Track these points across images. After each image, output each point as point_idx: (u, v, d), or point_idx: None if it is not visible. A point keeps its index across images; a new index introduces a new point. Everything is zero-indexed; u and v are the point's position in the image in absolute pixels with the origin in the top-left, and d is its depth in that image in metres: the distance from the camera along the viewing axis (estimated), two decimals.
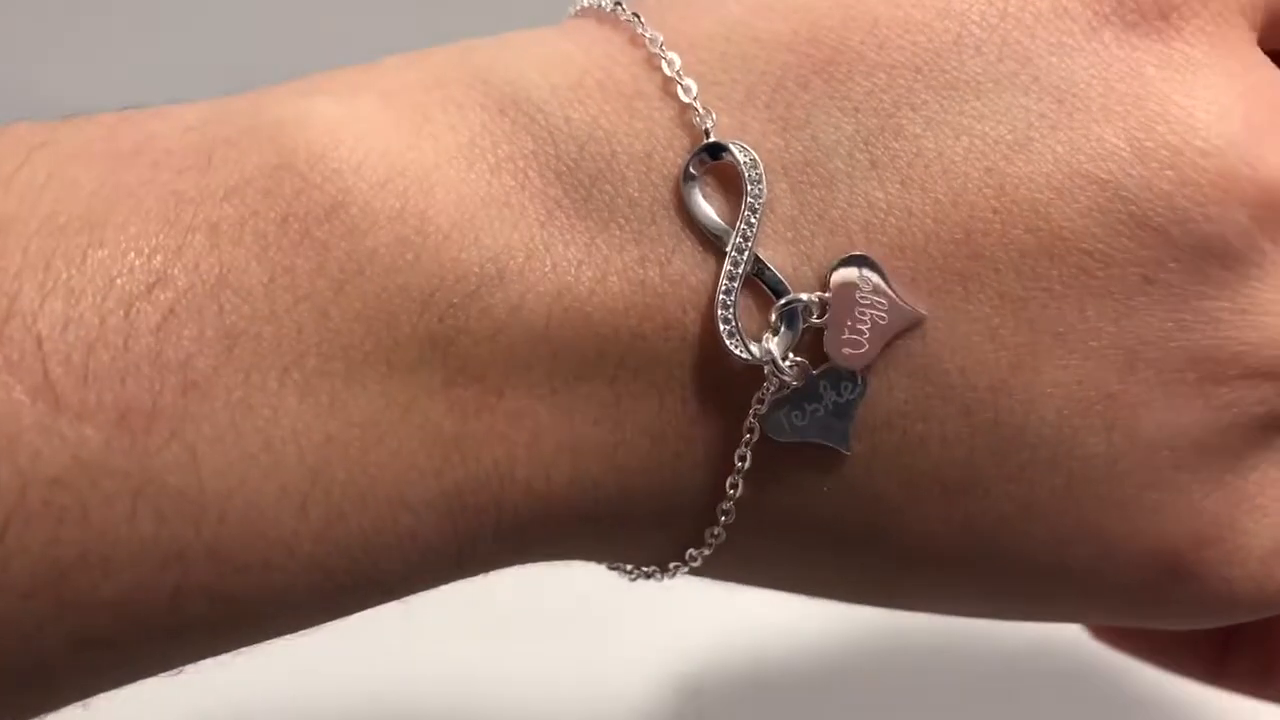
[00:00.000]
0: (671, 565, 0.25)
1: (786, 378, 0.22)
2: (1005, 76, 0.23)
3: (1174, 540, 0.24)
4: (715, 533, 0.24)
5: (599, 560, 0.26)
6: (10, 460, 0.19)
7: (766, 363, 0.22)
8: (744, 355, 0.22)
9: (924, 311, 0.22)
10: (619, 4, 0.24)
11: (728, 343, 0.22)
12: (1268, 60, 0.25)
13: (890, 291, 0.22)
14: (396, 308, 0.21)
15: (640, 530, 0.24)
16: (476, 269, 0.21)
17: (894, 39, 0.23)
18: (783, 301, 0.22)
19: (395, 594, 0.23)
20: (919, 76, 0.23)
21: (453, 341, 0.21)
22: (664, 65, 0.23)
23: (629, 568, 0.26)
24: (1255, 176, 0.23)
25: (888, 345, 0.22)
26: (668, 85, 0.23)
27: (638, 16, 0.23)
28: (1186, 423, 0.23)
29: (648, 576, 0.26)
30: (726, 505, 0.23)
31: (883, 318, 0.22)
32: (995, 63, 0.23)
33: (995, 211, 0.22)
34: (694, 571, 0.25)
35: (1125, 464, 0.23)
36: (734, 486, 0.23)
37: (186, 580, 0.20)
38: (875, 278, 0.22)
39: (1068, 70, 0.23)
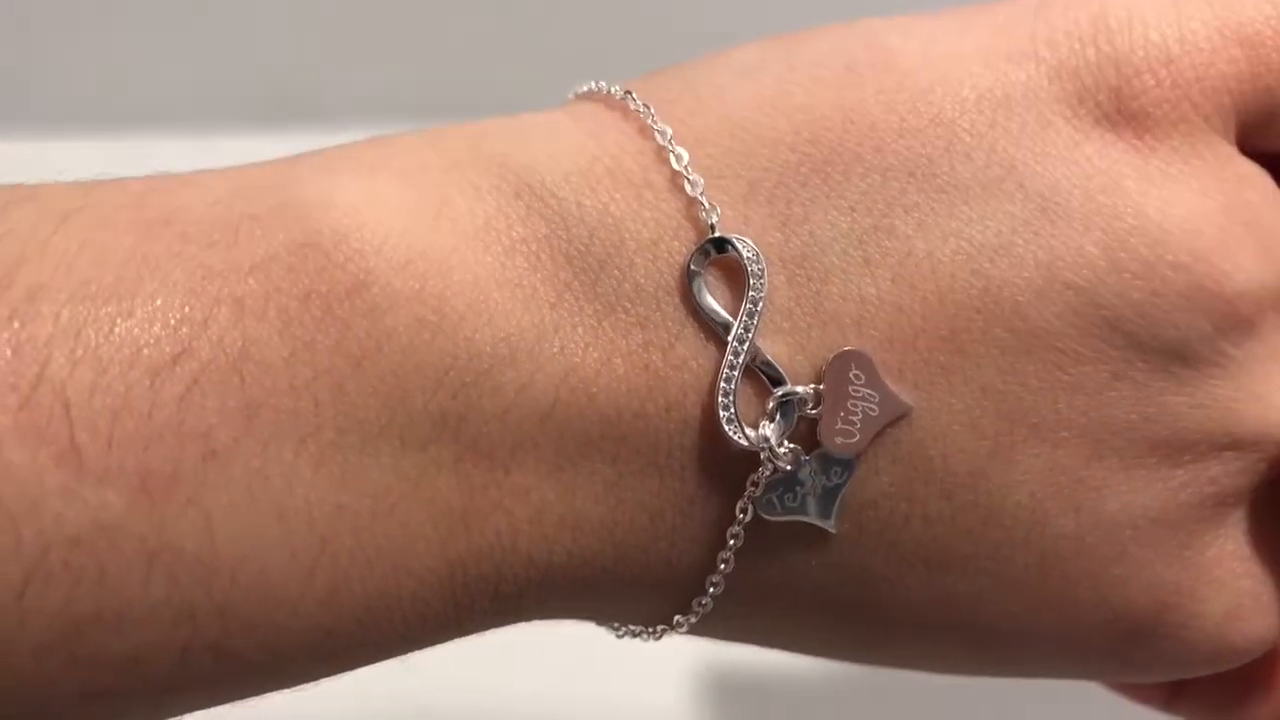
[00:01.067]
0: (659, 628, 0.26)
1: (781, 463, 0.23)
2: (993, 182, 0.24)
3: (1138, 607, 0.25)
4: (703, 602, 0.25)
5: (589, 620, 0.27)
6: (34, 522, 0.20)
7: (763, 448, 0.23)
8: (742, 441, 0.23)
9: (911, 404, 0.24)
10: (629, 93, 0.25)
11: (727, 429, 0.23)
12: (1247, 167, 0.26)
13: (881, 385, 0.23)
14: (411, 385, 0.22)
15: (632, 599, 0.25)
16: (489, 349, 0.22)
17: (890, 143, 0.24)
18: (780, 393, 0.23)
19: (393, 653, 0.24)
20: (912, 180, 0.24)
21: (464, 419, 0.22)
22: (672, 159, 0.24)
23: (616, 625, 0.27)
24: (1221, 291, 0.24)
25: (877, 435, 0.23)
26: (675, 178, 0.24)
27: (648, 108, 0.24)
28: (1146, 502, 0.25)
29: (635, 635, 0.27)
30: (716, 578, 0.24)
31: (873, 409, 0.23)
32: (983, 169, 0.24)
33: (979, 310, 0.24)
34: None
35: (1092, 540, 0.25)
36: (725, 562, 0.24)
37: (195, 639, 0.21)
38: (867, 372, 0.23)
39: (1051, 179, 0.24)
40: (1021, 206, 0.24)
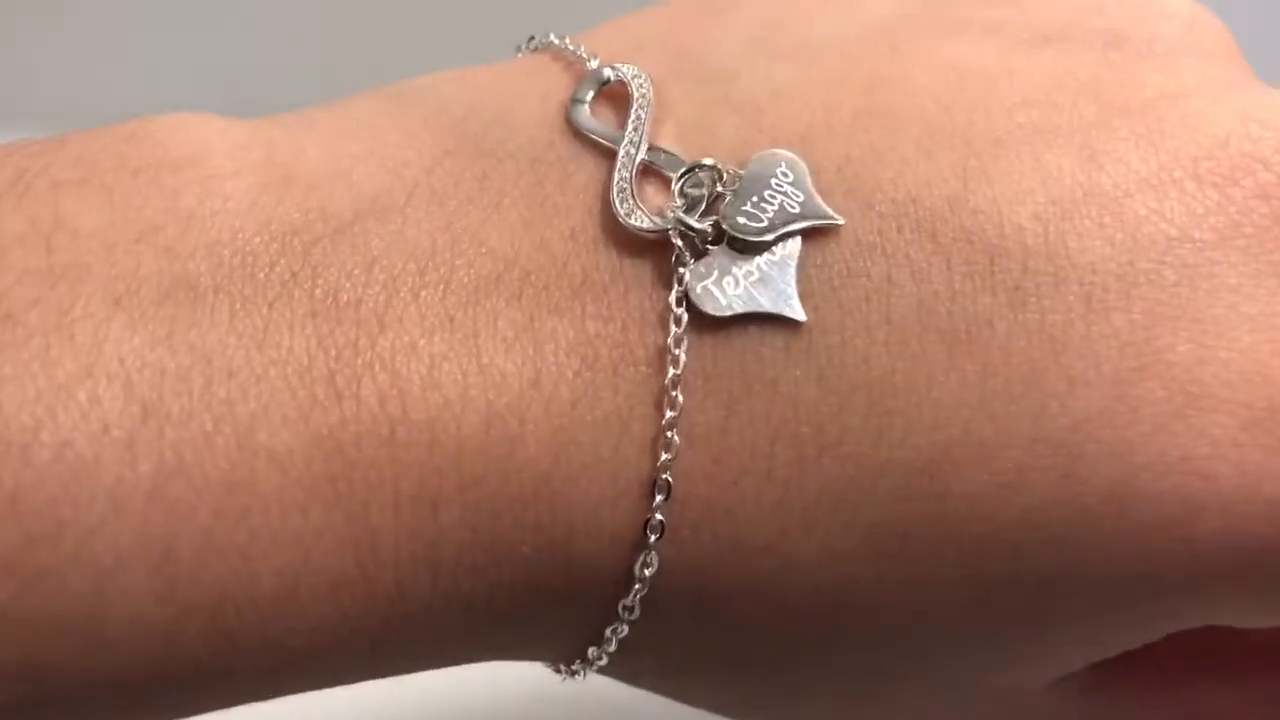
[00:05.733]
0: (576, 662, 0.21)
1: (696, 235, 0.19)
2: None
3: None
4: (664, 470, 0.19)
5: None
6: None
7: (671, 228, 0.19)
8: (643, 223, 0.19)
9: (840, 218, 0.19)
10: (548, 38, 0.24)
11: (628, 220, 0.19)
12: None
13: (809, 189, 0.20)
14: (255, 244, 0.19)
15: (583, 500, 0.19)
16: (348, 209, 0.20)
17: None
18: (682, 169, 0.20)
19: (292, 617, 0.18)
20: None
21: (318, 272, 0.19)
22: (570, 48, 0.23)
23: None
24: None
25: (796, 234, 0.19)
26: (570, 65, 0.23)
27: (563, 38, 0.24)
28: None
29: (573, 674, 0.21)
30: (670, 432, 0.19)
31: (793, 207, 0.19)
32: None
33: (893, 76, 0.21)
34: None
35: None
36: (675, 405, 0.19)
37: None
38: (796, 172, 0.20)
39: None
40: None
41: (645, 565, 0.19)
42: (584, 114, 0.21)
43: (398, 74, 0.23)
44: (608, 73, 0.21)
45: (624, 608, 0.19)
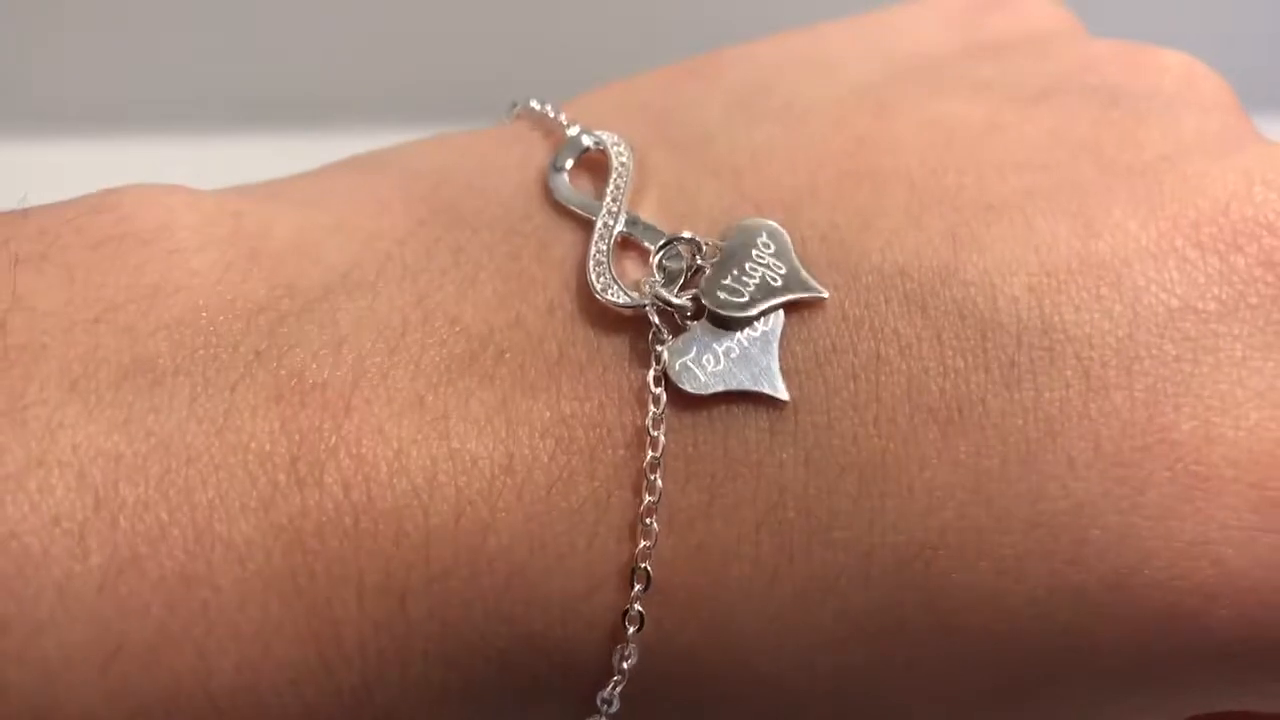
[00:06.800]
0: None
1: (675, 308, 0.18)
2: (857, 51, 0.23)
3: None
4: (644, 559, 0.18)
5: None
6: None
7: (647, 302, 0.19)
8: (620, 298, 0.19)
9: (825, 291, 0.19)
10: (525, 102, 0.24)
11: (604, 296, 0.19)
12: None
13: (792, 261, 0.19)
14: (218, 324, 0.18)
15: (557, 587, 0.18)
16: (318, 284, 0.19)
17: (758, 50, 0.23)
18: (661, 242, 0.19)
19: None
20: (786, 62, 0.22)
21: (285, 353, 0.18)
22: (550, 113, 0.22)
23: None
24: None
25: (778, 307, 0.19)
26: (549, 133, 0.22)
27: (544, 105, 0.23)
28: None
29: None
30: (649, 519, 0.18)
31: (775, 280, 0.19)
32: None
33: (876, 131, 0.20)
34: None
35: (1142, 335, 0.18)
36: (654, 490, 0.18)
37: None
38: (779, 243, 0.19)
39: None
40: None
41: (624, 658, 0.18)
42: (562, 183, 0.20)
43: (398, 73, 0.23)
44: (587, 140, 0.21)
45: (602, 700, 0.19)
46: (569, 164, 0.21)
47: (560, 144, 0.21)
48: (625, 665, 0.18)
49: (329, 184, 0.21)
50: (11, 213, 0.20)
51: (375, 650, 0.18)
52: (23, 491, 0.16)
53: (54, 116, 0.24)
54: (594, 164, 0.21)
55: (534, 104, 0.23)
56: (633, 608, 0.18)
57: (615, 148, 0.21)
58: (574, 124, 0.21)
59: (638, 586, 0.18)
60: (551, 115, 0.22)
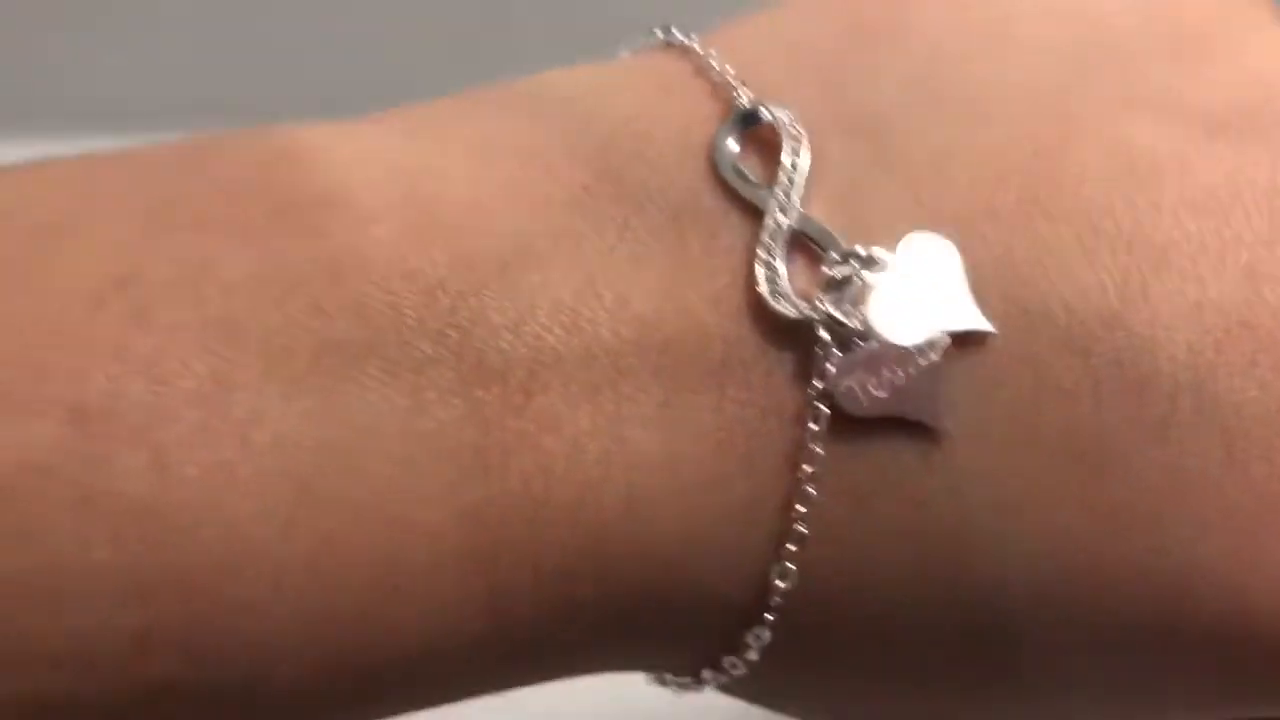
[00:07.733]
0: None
1: (847, 329, 0.19)
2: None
3: None
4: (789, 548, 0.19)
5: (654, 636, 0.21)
6: None
7: (818, 316, 0.19)
8: (788, 311, 0.19)
9: (992, 328, 0.19)
10: (668, 30, 0.23)
11: (771, 302, 0.19)
12: None
13: (963, 288, 0.19)
14: (401, 300, 0.18)
15: (708, 569, 0.20)
16: (494, 257, 0.19)
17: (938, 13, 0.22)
18: (834, 254, 0.19)
19: (422, 678, 0.19)
20: (966, 17, 0.21)
21: (467, 334, 0.19)
22: (704, 56, 0.21)
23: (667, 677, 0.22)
24: None
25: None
26: (707, 73, 0.21)
27: (689, 36, 0.23)
28: None
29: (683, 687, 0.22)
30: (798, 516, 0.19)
31: (947, 306, 0.19)
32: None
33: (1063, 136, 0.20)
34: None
35: None
36: (805, 501, 0.19)
37: (155, 624, 0.17)
38: (949, 265, 0.19)
39: None
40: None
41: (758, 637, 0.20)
42: (730, 165, 0.20)
43: (398, 75, 0.22)
44: (760, 113, 0.20)
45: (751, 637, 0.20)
46: (736, 145, 0.20)
47: (726, 104, 0.21)
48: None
49: (494, 127, 0.21)
50: (180, 155, 0.19)
51: (547, 620, 0.19)
52: (236, 480, 0.17)
53: (54, 116, 0.22)
54: (761, 138, 0.20)
55: (677, 34, 0.22)
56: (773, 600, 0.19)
57: (789, 129, 0.20)
58: (740, 83, 0.21)
59: (782, 585, 0.19)
60: (705, 56, 0.21)
